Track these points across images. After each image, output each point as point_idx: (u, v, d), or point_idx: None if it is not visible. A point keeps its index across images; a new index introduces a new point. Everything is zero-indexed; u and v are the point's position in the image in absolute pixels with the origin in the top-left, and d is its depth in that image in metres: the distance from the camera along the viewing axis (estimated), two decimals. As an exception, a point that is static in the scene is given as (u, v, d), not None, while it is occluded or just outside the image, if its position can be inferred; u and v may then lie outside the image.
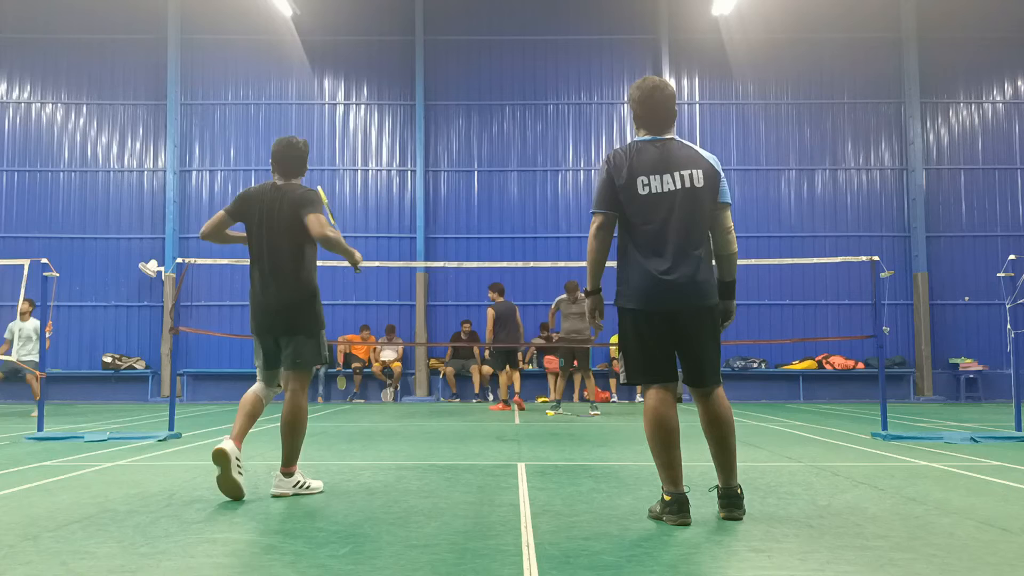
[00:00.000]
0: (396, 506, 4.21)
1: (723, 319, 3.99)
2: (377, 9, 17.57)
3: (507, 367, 12.94)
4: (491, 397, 16.08)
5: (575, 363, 12.14)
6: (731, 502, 3.82)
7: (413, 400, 16.36)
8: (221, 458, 4.29)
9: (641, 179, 3.81)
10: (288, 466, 4.62)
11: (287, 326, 4.63)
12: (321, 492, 4.67)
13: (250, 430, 4.63)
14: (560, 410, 12.07)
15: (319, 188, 4.99)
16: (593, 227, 3.88)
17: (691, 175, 3.82)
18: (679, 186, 3.81)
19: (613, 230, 3.90)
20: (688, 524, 3.67)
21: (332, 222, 4.87)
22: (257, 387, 4.75)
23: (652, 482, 4.83)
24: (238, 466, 4.35)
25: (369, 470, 5.67)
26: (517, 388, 13.11)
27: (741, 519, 3.80)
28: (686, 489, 3.75)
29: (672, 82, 17.29)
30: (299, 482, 4.62)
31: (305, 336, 4.64)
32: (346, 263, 4.94)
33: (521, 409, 12.76)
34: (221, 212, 4.82)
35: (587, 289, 4.02)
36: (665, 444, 3.77)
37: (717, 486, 3.89)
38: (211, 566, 3.00)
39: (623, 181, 3.82)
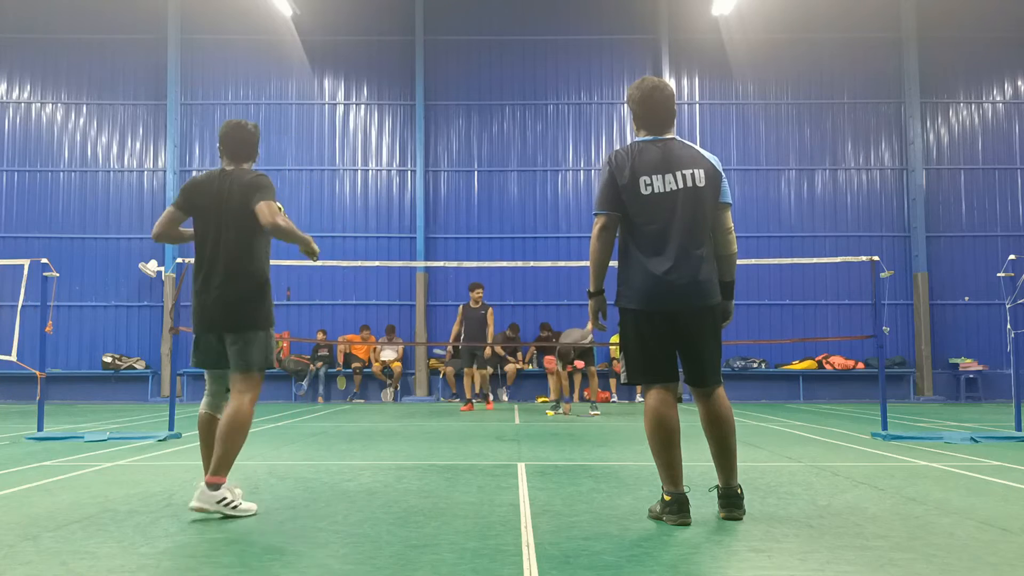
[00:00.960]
0: (396, 506, 4.21)
1: (722, 319, 3.99)
2: (377, 9, 17.57)
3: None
4: (491, 397, 16.04)
5: (578, 363, 12.11)
6: (731, 502, 3.82)
7: (413, 400, 16.36)
8: (203, 511, 3.92)
9: (644, 179, 3.80)
10: (216, 475, 3.94)
11: (233, 321, 4.18)
12: (253, 514, 3.99)
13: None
14: (560, 410, 12.06)
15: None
16: (596, 228, 3.86)
17: (693, 175, 3.82)
18: (681, 186, 3.80)
19: (616, 230, 3.88)
20: (688, 524, 3.67)
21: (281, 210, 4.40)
22: (206, 405, 4.29)
23: (652, 482, 4.83)
24: (226, 505, 3.92)
25: (369, 470, 5.67)
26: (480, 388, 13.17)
27: (741, 519, 3.80)
28: (686, 489, 3.75)
29: (672, 82, 17.29)
30: (225, 499, 3.91)
31: (252, 332, 4.17)
32: (303, 259, 4.56)
33: (471, 410, 12.67)
34: (170, 208, 4.38)
35: (590, 290, 4.00)
36: (665, 444, 3.77)
37: (717, 486, 3.90)
38: (211, 566, 3.00)
39: (626, 181, 3.81)
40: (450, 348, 15.91)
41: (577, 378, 16.12)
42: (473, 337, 12.69)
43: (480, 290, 12.90)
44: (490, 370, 15.68)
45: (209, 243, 4.25)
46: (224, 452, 3.98)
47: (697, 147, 3.96)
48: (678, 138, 3.95)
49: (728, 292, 3.97)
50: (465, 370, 13.04)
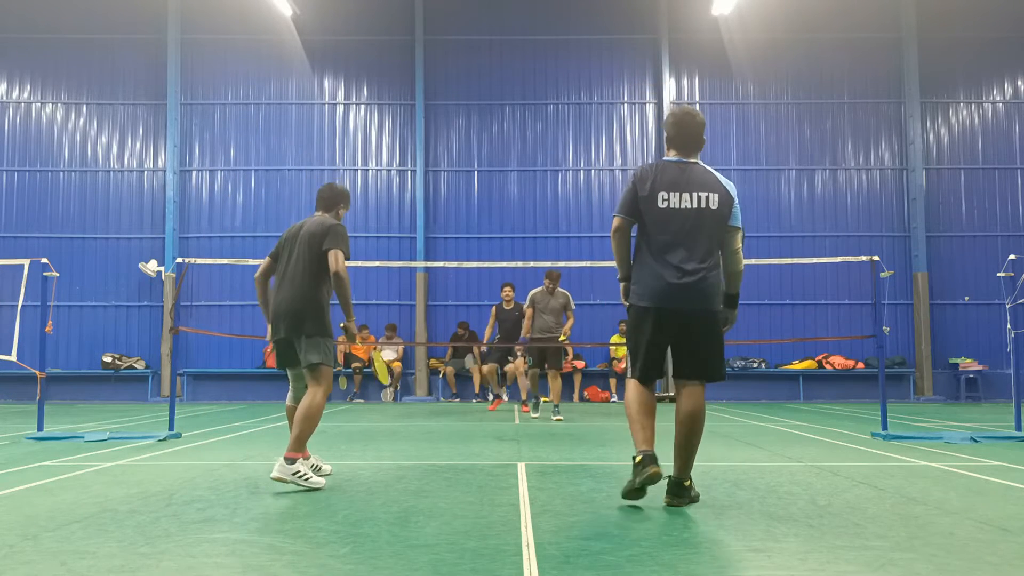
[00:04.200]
0: (396, 506, 4.21)
1: (724, 324, 4.36)
2: (377, 9, 17.57)
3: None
4: (489, 397, 15.99)
5: (546, 364, 11.02)
6: (676, 491, 4.14)
7: (413, 400, 16.36)
8: (280, 480, 4.75)
9: (661, 194, 4.26)
10: (291, 451, 4.78)
11: (297, 328, 5.09)
12: (321, 488, 4.74)
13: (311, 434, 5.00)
14: (536, 412, 11.21)
15: None
16: (612, 227, 4.38)
17: (707, 197, 4.25)
18: (694, 205, 4.24)
19: (629, 232, 4.36)
20: (658, 475, 3.95)
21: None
22: (290, 399, 5.39)
23: (652, 482, 4.84)
24: (299, 477, 4.72)
25: (369, 470, 5.67)
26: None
27: (682, 507, 4.08)
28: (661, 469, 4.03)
29: (672, 82, 17.32)
30: (299, 472, 4.73)
31: (312, 339, 5.07)
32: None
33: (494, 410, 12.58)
34: (267, 258, 5.43)
35: (619, 277, 4.49)
36: (644, 411, 4.16)
37: (670, 476, 4.18)
38: (211, 566, 3.00)
39: (646, 193, 4.27)
40: (450, 348, 15.72)
41: (577, 378, 16.17)
42: (507, 340, 12.01)
43: (509, 288, 12.20)
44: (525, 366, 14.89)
45: (284, 265, 5.23)
46: (297, 433, 4.86)
47: (717, 174, 4.38)
48: (701, 163, 4.39)
49: (731, 303, 4.38)
50: (504, 368, 12.73)
